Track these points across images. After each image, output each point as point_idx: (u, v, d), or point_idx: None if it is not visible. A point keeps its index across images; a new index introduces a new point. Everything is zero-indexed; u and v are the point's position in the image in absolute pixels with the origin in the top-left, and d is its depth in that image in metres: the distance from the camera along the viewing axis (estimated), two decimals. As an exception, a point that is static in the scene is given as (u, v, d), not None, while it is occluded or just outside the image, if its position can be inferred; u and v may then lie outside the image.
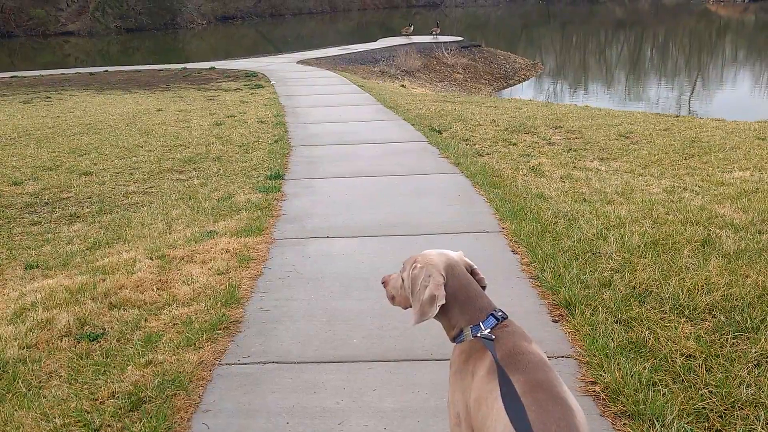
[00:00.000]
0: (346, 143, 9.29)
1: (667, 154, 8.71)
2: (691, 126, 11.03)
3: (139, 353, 3.62)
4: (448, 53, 26.43)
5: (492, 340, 2.04)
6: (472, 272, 2.24)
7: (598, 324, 3.69)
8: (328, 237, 5.42)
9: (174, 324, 3.96)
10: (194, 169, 8.29)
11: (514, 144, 9.43)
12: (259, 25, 55.23)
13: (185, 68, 22.85)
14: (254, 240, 5.32)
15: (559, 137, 10.01)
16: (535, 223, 5.46)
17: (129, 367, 3.47)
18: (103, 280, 4.66)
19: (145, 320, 4.04)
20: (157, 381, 3.30)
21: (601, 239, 5.07)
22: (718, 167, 7.85)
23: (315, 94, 15.16)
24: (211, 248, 5.16)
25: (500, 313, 2.13)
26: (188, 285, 4.50)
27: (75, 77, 21.75)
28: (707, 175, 7.47)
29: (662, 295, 4.05)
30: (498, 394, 1.84)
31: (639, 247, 4.87)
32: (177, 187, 7.38)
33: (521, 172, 7.55)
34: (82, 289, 4.51)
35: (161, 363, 3.50)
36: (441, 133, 10.17)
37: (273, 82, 17.70)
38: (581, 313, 3.84)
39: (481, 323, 2.10)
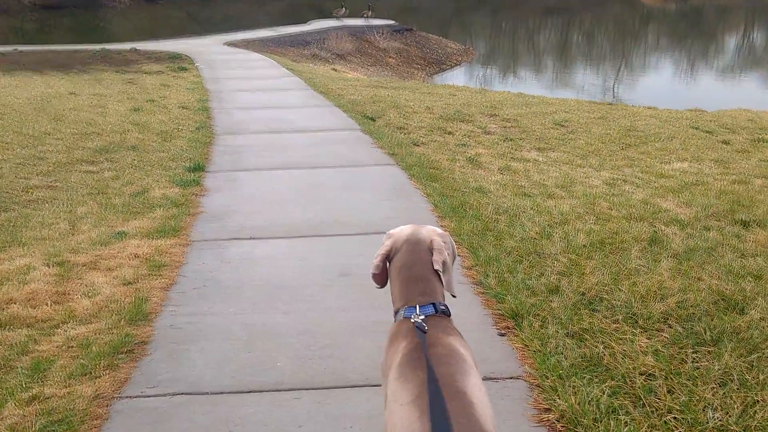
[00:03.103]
0: (274, 131, 8.75)
1: (605, 143, 8.55)
2: (625, 114, 10.97)
3: (23, 385, 3.08)
4: (380, 37, 25.94)
5: (424, 331, 1.87)
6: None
7: (549, 338, 3.36)
8: (251, 238, 4.92)
9: (69, 347, 3.42)
10: (107, 159, 7.60)
11: (451, 133, 9.10)
12: (186, 5, 53.27)
13: (104, 49, 21.58)
14: (168, 242, 4.77)
15: (495, 126, 9.74)
16: (475, 221, 5.11)
17: (8, 405, 2.93)
18: (-10, 293, 4.05)
19: (35, 342, 3.48)
20: (39, 423, 2.77)
21: (545, 238, 4.76)
22: (656, 158, 7.72)
23: (242, 77, 14.46)
24: (118, 253, 4.60)
25: (442, 307, 1.99)
26: (89, 298, 3.94)
27: (-18, 57, 20.24)
28: (646, 166, 7.32)
29: (614, 302, 3.75)
30: (403, 400, 1.69)
31: (585, 246, 4.58)
32: (86, 181, 6.71)
33: (459, 164, 7.21)
34: (-38, 304, 3.89)
35: (48, 398, 2.97)
36: (375, 121, 9.74)
37: (198, 65, 16.86)
38: (529, 325, 3.50)
39: (417, 307, 1.96)
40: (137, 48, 21.63)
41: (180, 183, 6.24)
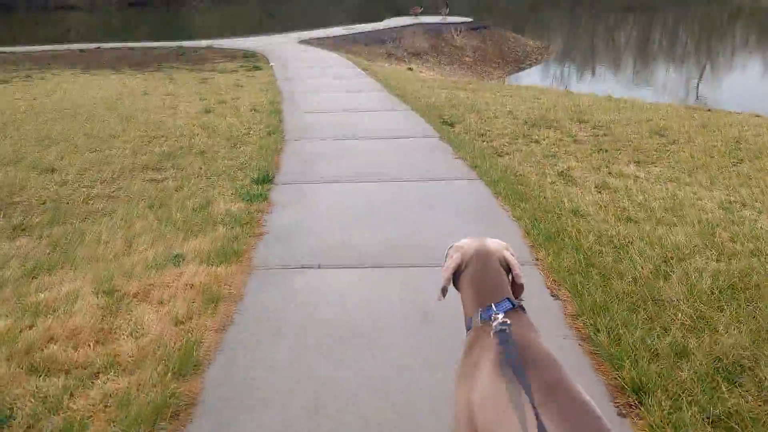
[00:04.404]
0: (346, 137, 8.22)
1: (713, 157, 7.64)
2: (730, 122, 9.93)
3: (49, 457, 2.61)
4: (456, 34, 25.21)
5: (506, 330, 1.83)
6: (509, 268, 2.10)
7: (686, 426, 2.66)
8: (319, 267, 4.38)
9: (106, 405, 2.94)
10: (173, 166, 7.23)
11: (537, 141, 8.36)
12: (265, 2, 53.77)
13: (181, 46, 21.73)
14: (228, 270, 4.28)
15: (585, 133, 8.93)
16: (576, 253, 4.41)
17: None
18: (31, 327, 3.64)
19: (71, 395, 3.02)
20: None
21: (662, 279, 4.03)
22: (776, 176, 6.79)
23: (315, 77, 14.06)
24: (173, 281, 4.14)
25: (519, 302, 1.99)
26: (135, 339, 3.48)
27: (65, 54, 20.64)
28: (766, 186, 6.41)
29: (760, 374, 3.02)
30: (513, 401, 1.63)
31: (712, 293, 3.83)
32: (148, 190, 6.33)
33: (549, 179, 6.49)
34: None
35: (74, 480, 2.49)
36: (453, 126, 9.10)
37: (272, 64, 16.59)
38: (657, 404, 2.81)
39: (493, 305, 1.95)
40: (213, 45, 21.66)
41: (245, 197, 5.77)
